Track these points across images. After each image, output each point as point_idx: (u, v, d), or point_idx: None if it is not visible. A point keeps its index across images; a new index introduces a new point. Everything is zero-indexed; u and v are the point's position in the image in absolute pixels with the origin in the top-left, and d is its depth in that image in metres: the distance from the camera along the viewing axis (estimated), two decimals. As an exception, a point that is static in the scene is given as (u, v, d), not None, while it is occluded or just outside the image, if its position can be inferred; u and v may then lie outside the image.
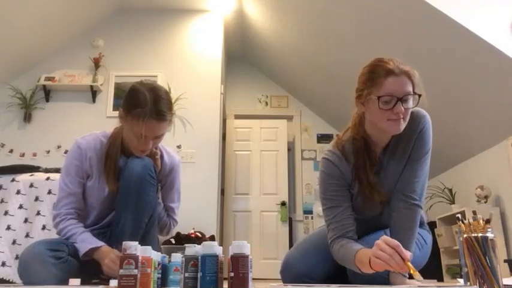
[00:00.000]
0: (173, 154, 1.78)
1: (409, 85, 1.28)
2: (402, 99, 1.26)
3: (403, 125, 1.30)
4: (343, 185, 1.40)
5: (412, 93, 1.28)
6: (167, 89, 1.62)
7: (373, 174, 1.39)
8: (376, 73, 1.30)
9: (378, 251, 1.11)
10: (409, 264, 1.07)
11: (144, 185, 1.50)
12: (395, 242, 1.10)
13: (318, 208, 5.21)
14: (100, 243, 1.46)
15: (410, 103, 1.29)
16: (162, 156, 1.71)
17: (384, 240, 1.11)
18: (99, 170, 1.58)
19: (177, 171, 1.76)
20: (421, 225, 1.52)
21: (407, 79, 1.28)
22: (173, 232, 3.05)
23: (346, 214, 1.37)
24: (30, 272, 1.35)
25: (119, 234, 1.48)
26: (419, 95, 1.29)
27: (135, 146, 1.54)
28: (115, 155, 1.58)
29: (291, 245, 4.79)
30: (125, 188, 1.50)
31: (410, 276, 1.27)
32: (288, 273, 1.45)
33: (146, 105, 1.45)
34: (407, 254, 1.09)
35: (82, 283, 1.23)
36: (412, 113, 1.38)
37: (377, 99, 1.27)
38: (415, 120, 1.37)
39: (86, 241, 1.46)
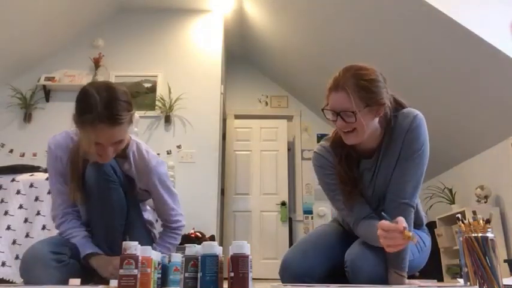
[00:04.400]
0: (148, 158, 1.55)
1: (346, 101, 1.29)
2: (342, 114, 1.31)
3: (353, 138, 1.35)
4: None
5: (347, 110, 1.29)
6: (125, 89, 1.42)
7: (347, 167, 1.42)
8: (328, 85, 1.37)
9: (381, 238, 1.16)
10: (406, 232, 1.12)
11: (102, 191, 1.43)
12: (388, 225, 1.15)
13: (318, 208, 5.21)
14: (98, 251, 1.46)
15: (353, 118, 1.29)
16: (127, 156, 1.54)
17: (380, 227, 1.17)
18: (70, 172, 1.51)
19: (153, 177, 1.55)
20: (420, 227, 1.52)
21: (345, 95, 1.29)
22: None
23: None
24: (32, 274, 1.35)
25: (97, 243, 1.48)
26: (354, 112, 1.29)
27: (95, 155, 1.40)
28: (78, 163, 1.49)
29: (291, 245, 4.77)
30: (88, 198, 1.47)
31: (411, 277, 1.27)
32: (287, 273, 1.44)
33: (96, 109, 1.29)
34: (401, 225, 1.13)
35: (82, 283, 1.23)
36: (402, 112, 1.39)
37: (322, 112, 1.37)
38: (405, 120, 1.37)
39: (84, 246, 1.46)
